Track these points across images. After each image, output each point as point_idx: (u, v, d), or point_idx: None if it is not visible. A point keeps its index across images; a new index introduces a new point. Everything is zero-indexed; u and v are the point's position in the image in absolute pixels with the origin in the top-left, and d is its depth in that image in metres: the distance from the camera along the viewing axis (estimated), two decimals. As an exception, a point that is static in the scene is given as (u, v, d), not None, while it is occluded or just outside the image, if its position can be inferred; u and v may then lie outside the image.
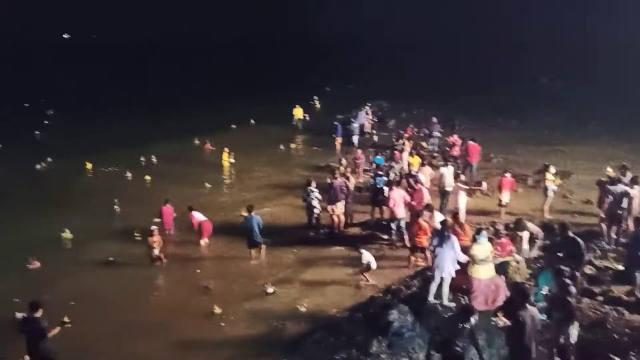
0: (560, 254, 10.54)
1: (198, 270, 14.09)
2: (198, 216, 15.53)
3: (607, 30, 50.10)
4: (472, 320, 7.61)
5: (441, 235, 10.95)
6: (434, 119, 24.90)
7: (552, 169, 16.31)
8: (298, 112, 31.29)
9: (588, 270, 12.25)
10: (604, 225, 14.09)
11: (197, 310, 11.99)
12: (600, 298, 11.10)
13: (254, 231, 14.06)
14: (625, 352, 9.10)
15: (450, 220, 12.30)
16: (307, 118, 31.37)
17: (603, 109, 31.99)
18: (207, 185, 21.04)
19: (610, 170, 16.27)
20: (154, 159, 24.37)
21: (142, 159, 24.30)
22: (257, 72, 46.80)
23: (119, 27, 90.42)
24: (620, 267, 12.29)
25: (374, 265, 12.78)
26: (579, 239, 10.86)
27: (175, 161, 24.58)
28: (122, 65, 59.71)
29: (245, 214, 14.55)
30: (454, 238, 10.84)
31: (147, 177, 21.85)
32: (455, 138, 21.64)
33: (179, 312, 12.02)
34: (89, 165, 23.22)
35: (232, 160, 23.90)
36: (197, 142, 27.68)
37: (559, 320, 8.30)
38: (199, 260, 14.75)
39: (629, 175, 14.52)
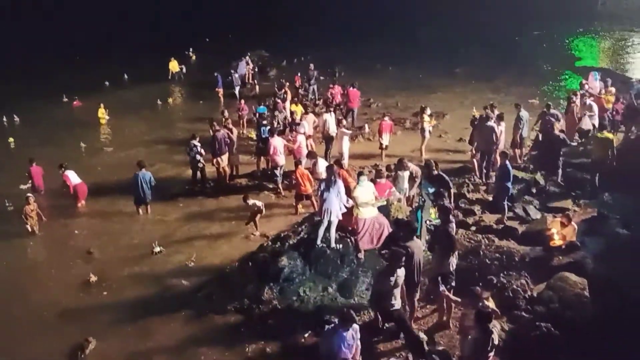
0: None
1: (76, 232, 13.49)
2: (73, 178, 14.61)
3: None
4: None
5: (327, 181, 11.15)
6: (311, 67, 25.00)
7: (428, 111, 17.01)
8: (174, 66, 30.07)
9: (462, 203, 13.11)
10: (475, 161, 15.06)
11: (79, 278, 11.46)
12: (473, 228, 11.96)
13: (142, 188, 13.65)
14: (496, 274, 9.94)
15: (335, 166, 12.52)
16: (184, 70, 30.24)
17: (472, 55, 33.61)
18: (82, 144, 19.83)
19: (475, 111, 17.22)
20: (16, 119, 22.53)
21: (4, 119, 22.37)
22: (131, 28, 43.85)
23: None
24: (490, 198, 13.27)
25: (259, 204, 12.78)
26: (444, 176, 11.52)
27: (43, 121, 22.88)
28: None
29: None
30: (339, 182, 11.07)
31: (11, 140, 20.17)
32: (336, 89, 21.74)
33: (59, 283, 11.44)
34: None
35: (107, 117, 22.62)
36: (65, 99, 25.86)
37: (441, 251, 8.81)
38: (79, 225, 14.01)
39: (496, 113, 15.50)
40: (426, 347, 6.08)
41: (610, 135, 13.72)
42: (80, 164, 16.69)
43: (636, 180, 12.37)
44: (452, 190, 11.59)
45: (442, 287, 8.36)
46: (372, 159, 16.80)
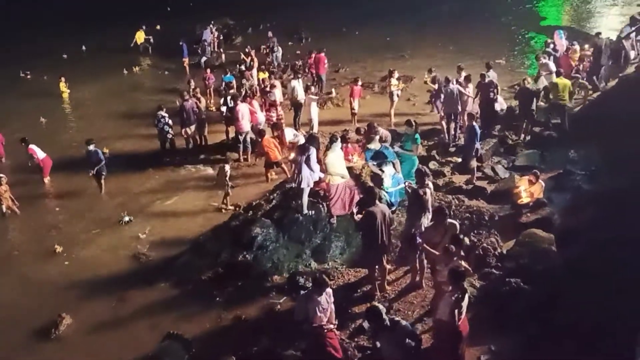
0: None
1: (42, 206, 13.38)
2: (38, 151, 14.29)
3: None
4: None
5: (301, 148, 11.13)
6: (270, 34, 24.65)
7: (396, 75, 16.97)
8: (140, 36, 29.22)
9: (432, 165, 13.21)
10: (443, 123, 15.15)
11: (47, 252, 11.36)
12: (444, 189, 12.10)
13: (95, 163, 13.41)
14: (467, 233, 10.10)
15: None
16: (152, 41, 29.46)
17: (436, 16, 33.45)
18: (43, 119, 19.34)
19: (427, 76, 17.19)
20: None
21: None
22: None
23: None
24: (459, 160, 13.41)
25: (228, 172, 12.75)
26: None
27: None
28: None
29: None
30: (312, 150, 11.03)
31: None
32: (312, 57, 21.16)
33: (26, 259, 11.32)
34: None
35: (68, 91, 22.02)
36: (22, 74, 25.09)
37: (412, 212, 8.90)
38: (45, 199, 13.85)
39: (464, 74, 15.56)
40: (385, 317, 6.16)
41: (567, 81, 14.32)
42: (42, 138, 16.11)
43: (601, 135, 12.60)
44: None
45: (419, 240, 8.45)
46: (342, 125, 16.71)
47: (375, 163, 10.86)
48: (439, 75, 16.33)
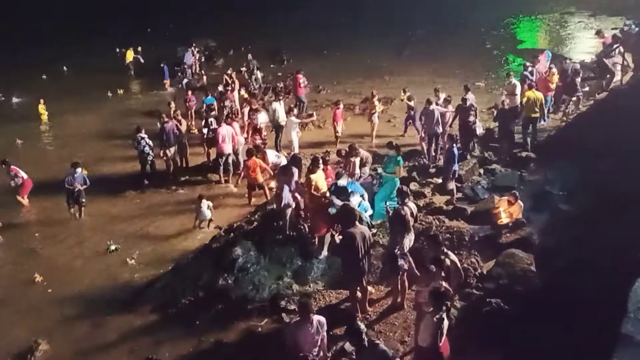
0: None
1: (22, 230, 13.16)
2: (21, 172, 14.21)
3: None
4: None
5: (284, 169, 11.14)
6: (250, 56, 24.81)
7: (377, 96, 17.17)
8: (129, 55, 29.11)
9: (412, 186, 13.31)
10: (423, 144, 15.31)
11: (25, 278, 11.15)
12: (425, 210, 12.18)
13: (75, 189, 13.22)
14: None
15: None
16: (142, 60, 29.34)
17: (418, 37, 33.93)
18: (19, 141, 19.18)
19: (403, 95, 17.51)
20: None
21: None
22: (67, 17, 42.04)
23: None
24: (439, 181, 13.53)
25: (209, 215, 12.64)
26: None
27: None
28: None
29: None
30: (294, 171, 11.06)
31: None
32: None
33: (3, 283, 11.12)
34: None
35: (46, 113, 21.85)
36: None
37: (394, 232, 8.93)
38: (25, 223, 13.68)
39: (442, 96, 15.77)
40: (364, 337, 6.12)
41: (539, 95, 14.64)
42: (17, 161, 15.73)
43: (578, 156, 12.80)
44: None
45: (400, 262, 8.46)
46: (323, 146, 16.82)
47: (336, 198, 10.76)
48: (412, 95, 16.61)
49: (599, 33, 16.71)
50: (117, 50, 31.18)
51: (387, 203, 10.09)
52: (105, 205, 14.11)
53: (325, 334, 6.99)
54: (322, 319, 6.96)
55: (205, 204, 12.46)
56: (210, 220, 12.59)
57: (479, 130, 15.58)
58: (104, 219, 13.55)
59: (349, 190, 10.47)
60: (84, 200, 13.41)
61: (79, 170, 13.24)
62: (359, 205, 10.37)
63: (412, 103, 16.53)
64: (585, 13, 35.24)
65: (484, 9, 38.15)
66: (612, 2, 34.08)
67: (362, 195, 10.75)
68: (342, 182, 10.51)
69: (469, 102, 15.01)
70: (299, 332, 6.83)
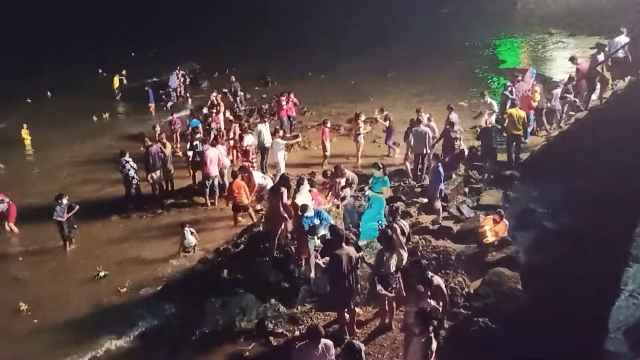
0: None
1: (8, 257, 13.02)
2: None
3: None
4: None
5: (273, 190, 11.14)
6: (233, 78, 24.94)
7: (363, 117, 17.30)
8: (116, 81, 28.94)
9: (398, 205, 13.34)
10: (407, 164, 15.41)
11: (11, 307, 10.98)
12: (411, 229, 12.18)
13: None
14: (435, 273, 10.14)
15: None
16: (125, 82, 29.28)
17: (403, 56, 34.32)
18: (1, 165, 19.12)
19: (377, 114, 17.66)
20: None
21: None
22: (49, 42, 41.86)
23: None
24: (425, 200, 13.59)
25: (194, 241, 12.57)
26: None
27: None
28: None
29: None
30: (283, 191, 11.07)
31: None
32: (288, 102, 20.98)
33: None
34: None
35: (30, 138, 21.72)
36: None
37: (382, 252, 8.93)
38: (9, 250, 13.53)
39: (425, 116, 15.92)
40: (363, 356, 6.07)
41: (522, 113, 14.77)
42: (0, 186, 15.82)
43: (563, 173, 12.95)
44: None
45: (378, 287, 8.47)
46: (309, 167, 16.86)
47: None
48: (390, 114, 17.01)
49: (572, 59, 16.98)
50: (100, 71, 31.22)
51: (379, 222, 10.14)
52: (91, 230, 14.00)
53: (333, 357, 6.86)
54: (330, 342, 6.85)
55: (188, 231, 12.40)
56: (195, 245, 12.52)
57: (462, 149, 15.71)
58: (90, 244, 13.44)
59: (318, 222, 10.43)
60: (75, 228, 13.25)
61: (64, 201, 13.03)
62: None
63: (387, 123, 16.72)
64: (565, 33, 35.87)
65: (467, 30, 38.75)
66: (590, 23, 34.77)
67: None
68: (309, 213, 10.45)
69: (452, 122, 15.18)
70: (305, 356, 6.77)
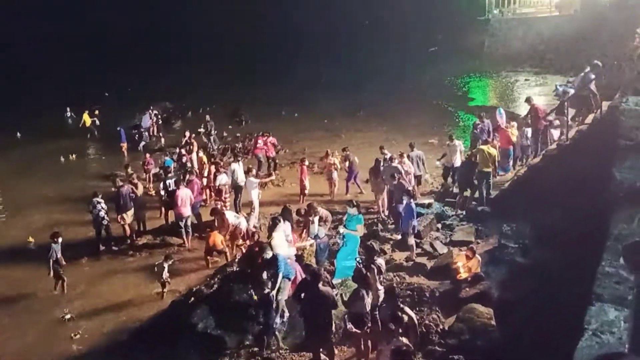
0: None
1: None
2: None
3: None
4: None
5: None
6: (207, 117, 25.04)
7: (335, 154, 17.48)
8: (87, 119, 28.74)
9: (372, 242, 13.37)
10: (379, 202, 15.52)
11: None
12: (385, 267, 12.21)
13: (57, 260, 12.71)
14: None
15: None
16: (97, 122, 29.08)
17: (372, 96, 34.86)
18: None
19: (337, 155, 18.06)
20: None
21: None
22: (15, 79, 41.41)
23: None
24: (398, 237, 13.67)
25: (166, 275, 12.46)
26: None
27: None
28: None
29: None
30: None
31: None
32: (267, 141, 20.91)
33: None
34: None
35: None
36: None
37: (357, 291, 8.91)
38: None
39: (388, 154, 16.17)
40: None
41: (493, 150, 14.96)
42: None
43: (533, 209, 13.16)
44: None
45: (349, 325, 8.44)
46: (282, 205, 16.80)
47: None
48: (351, 155, 17.49)
49: (528, 100, 17.48)
50: (69, 113, 31.15)
51: (357, 259, 10.15)
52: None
53: None
54: None
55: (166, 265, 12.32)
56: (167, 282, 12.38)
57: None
58: (61, 287, 13.06)
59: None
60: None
61: (59, 240, 12.78)
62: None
63: (347, 164, 17.16)
64: (532, 71, 36.96)
65: (436, 69, 39.61)
66: (556, 61, 35.90)
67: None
68: (267, 255, 10.41)
69: (414, 158, 15.55)
70: None
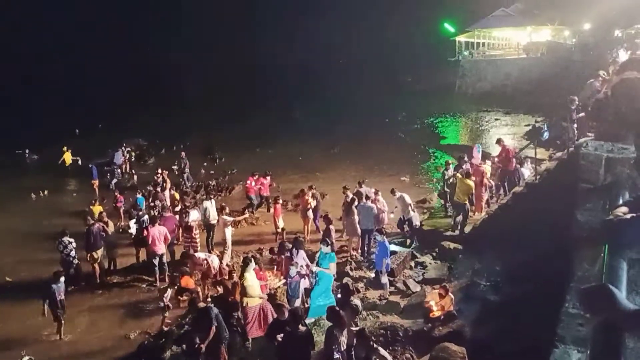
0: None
1: None
2: None
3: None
4: None
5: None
6: (182, 154, 25.03)
7: (310, 192, 17.55)
8: (68, 157, 28.42)
9: (345, 280, 13.37)
10: (354, 239, 15.56)
11: None
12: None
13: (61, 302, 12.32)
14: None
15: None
16: (79, 162, 28.60)
17: (346, 135, 35.27)
18: None
19: (311, 197, 18.04)
20: None
21: None
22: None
23: None
24: (372, 275, 13.68)
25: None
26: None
27: None
28: None
29: None
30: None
31: None
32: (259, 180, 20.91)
33: None
34: None
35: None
36: None
37: (332, 332, 8.84)
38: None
39: (367, 189, 16.32)
40: None
41: (470, 183, 15.28)
42: None
43: (503, 247, 13.33)
44: None
45: (336, 356, 8.35)
46: (255, 244, 16.78)
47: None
48: (317, 193, 17.80)
49: (499, 142, 17.94)
50: (27, 152, 30.99)
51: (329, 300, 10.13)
52: (24, 311, 13.26)
53: None
54: None
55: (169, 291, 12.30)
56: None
57: (415, 222, 16.03)
58: (23, 327, 12.71)
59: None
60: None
61: (62, 279, 12.45)
62: None
63: (314, 202, 17.34)
64: (501, 111, 37.93)
65: (409, 108, 40.42)
66: (525, 101, 36.95)
67: None
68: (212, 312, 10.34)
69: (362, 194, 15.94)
70: None
